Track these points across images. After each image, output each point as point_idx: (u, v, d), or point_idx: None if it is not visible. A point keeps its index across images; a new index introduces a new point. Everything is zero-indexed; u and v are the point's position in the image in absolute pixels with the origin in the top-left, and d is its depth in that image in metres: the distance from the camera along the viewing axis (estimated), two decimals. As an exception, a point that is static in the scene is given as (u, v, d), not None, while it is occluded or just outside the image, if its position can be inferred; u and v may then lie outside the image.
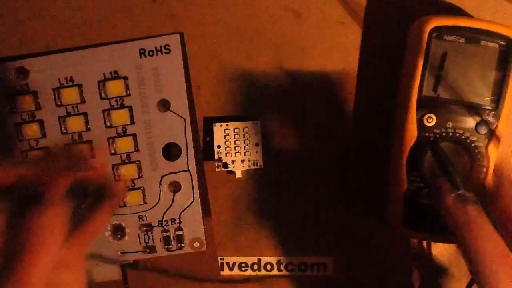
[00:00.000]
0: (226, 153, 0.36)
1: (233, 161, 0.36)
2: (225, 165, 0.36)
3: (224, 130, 0.35)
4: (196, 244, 0.37)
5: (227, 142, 0.35)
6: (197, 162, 0.37)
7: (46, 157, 0.29)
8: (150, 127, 0.36)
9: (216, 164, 0.36)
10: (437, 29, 0.32)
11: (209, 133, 0.36)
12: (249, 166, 0.36)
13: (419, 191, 0.34)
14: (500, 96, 0.32)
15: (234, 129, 0.35)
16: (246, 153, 0.36)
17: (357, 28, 0.36)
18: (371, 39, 0.36)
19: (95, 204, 0.28)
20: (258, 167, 0.36)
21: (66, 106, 0.36)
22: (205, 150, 0.37)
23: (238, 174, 0.36)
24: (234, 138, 0.35)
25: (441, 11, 0.35)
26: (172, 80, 0.36)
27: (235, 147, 0.36)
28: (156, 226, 0.37)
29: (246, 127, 0.36)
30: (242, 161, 0.36)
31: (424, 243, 0.38)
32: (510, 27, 0.32)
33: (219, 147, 0.36)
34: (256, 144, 0.35)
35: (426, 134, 0.33)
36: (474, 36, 0.32)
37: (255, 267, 0.38)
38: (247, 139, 0.36)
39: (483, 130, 0.33)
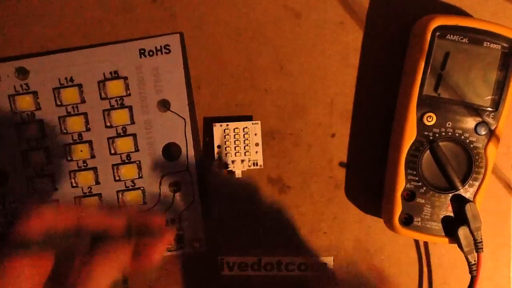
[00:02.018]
0: (226, 153, 0.36)
1: (233, 161, 0.36)
2: (225, 165, 0.36)
3: (224, 130, 0.35)
4: (196, 244, 0.37)
5: (227, 142, 0.35)
6: (197, 162, 0.37)
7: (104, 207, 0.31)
8: (150, 127, 0.36)
9: (216, 164, 0.36)
10: (440, 28, 0.32)
11: (209, 133, 0.36)
12: (249, 166, 0.36)
13: (416, 190, 0.34)
14: (501, 98, 0.32)
15: (234, 129, 0.35)
16: (246, 153, 0.36)
17: (357, 28, 0.36)
18: (371, 39, 0.36)
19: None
20: (258, 167, 0.36)
21: (66, 106, 0.36)
22: (205, 150, 0.37)
23: (238, 174, 0.36)
24: (234, 138, 0.35)
25: (441, 11, 0.35)
26: (172, 80, 0.36)
27: (235, 147, 0.36)
28: (156, 226, 0.37)
29: (246, 127, 0.36)
30: (242, 161, 0.36)
31: (422, 243, 0.38)
32: (513, 28, 0.32)
33: (219, 147, 0.36)
34: (256, 144, 0.35)
35: (426, 133, 0.33)
36: (477, 36, 0.32)
37: (255, 267, 0.38)
38: (247, 139, 0.36)
39: (482, 131, 0.33)
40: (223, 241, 0.38)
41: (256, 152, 0.36)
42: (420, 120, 0.33)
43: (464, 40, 0.32)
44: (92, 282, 0.26)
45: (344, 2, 0.36)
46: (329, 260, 0.38)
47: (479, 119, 0.33)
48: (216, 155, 0.36)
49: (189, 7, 0.36)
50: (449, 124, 0.33)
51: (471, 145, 0.33)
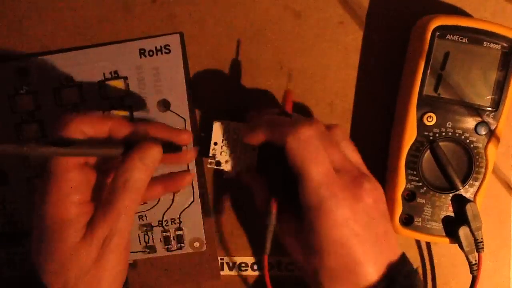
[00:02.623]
0: (221, 152, 0.35)
1: (226, 161, 0.35)
2: (218, 163, 0.35)
3: (224, 129, 0.35)
4: (196, 244, 0.37)
5: (224, 141, 0.35)
6: (197, 162, 0.37)
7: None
8: (150, 127, 0.36)
9: (209, 161, 0.35)
10: (440, 28, 0.32)
11: (209, 133, 0.36)
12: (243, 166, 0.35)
13: (417, 190, 0.34)
14: (501, 98, 0.32)
15: (233, 129, 0.35)
16: (242, 155, 0.35)
17: (357, 28, 0.36)
18: (371, 39, 0.36)
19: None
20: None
21: (66, 106, 0.36)
22: (204, 149, 0.36)
23: (228, 174, 0.35)
24: (233, 138, 0.35)
25: (441, 11, 0.35)
26: (172, 80, 0.36)
27: (231, 147, 0.35)
28: (156, 226, 0.37)
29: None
30: (237, 161, 0.35)
31: (423, 243, 0.38)
32: (513, 28, 0.32)
33: (215, 144, 0.35)
34: (253, 149, 0.35)
35: (426, 133, 0.33)
36: (477, 36, 0.32)
37: (255, 267, 0.38)
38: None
39: (482, 131, 0.33)
40: (223, 241, 0.38)
41: (254, 153, 0.35)
42: (420, 120, 0.33)
43: (464, 40, 0.32)
44: (130, 179, 0.28)
45: (344, 2, 0.36)
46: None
47: (479, 119, 0.33)
48: (210, 152, 0.35)
49: (189, 7, 0.36)
50: (449, 124, 0.33)
51: (471, 145, 0.33)
